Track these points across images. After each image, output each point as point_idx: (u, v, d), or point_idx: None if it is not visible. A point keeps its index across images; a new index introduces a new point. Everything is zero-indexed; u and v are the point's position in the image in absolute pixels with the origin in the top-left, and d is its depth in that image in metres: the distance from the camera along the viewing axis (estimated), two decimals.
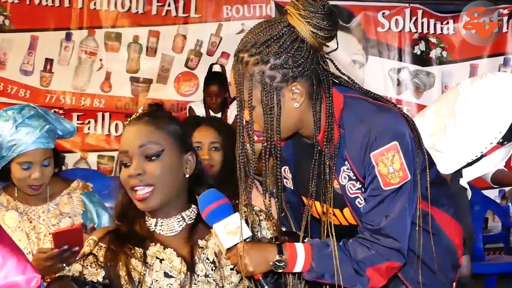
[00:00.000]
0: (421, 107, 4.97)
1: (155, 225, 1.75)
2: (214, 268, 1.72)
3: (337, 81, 1.77)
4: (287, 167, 1.92)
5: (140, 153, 1.70)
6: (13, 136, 2.31)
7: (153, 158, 1.69)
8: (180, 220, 1.76)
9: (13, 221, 2.41)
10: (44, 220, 2.43)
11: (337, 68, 1.76)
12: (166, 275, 1.68)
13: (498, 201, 5.10)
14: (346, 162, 1.73)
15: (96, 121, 5.52)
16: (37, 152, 2.35)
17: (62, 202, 2.49)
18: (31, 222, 2.43)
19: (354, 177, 1.74)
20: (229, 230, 1.66)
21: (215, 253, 1.74)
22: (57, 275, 1.79)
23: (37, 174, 2.35)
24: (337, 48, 1.73)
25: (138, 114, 1.77)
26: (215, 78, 5.10)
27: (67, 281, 1.68)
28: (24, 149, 2.32)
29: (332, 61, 1.74)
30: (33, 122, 2.35)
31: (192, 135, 2.68)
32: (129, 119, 1.77)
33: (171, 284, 1.67)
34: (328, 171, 1.73)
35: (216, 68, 5.17)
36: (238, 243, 1.66)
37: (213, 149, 2.70)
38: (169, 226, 1.75)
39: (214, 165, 2.70)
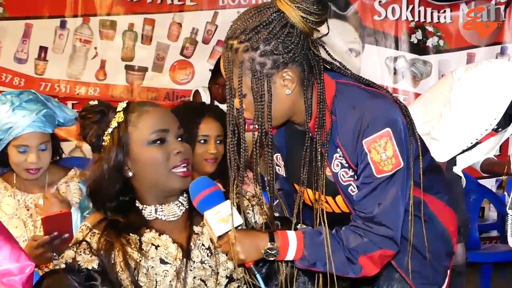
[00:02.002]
0: (418, 96, 4.93)
1: (156, 212, 1.75)
2: (209, 254, 1.72)
3: (329, 67, 1.75)
4: (279, 154, 1.91)
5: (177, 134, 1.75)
6: (9, 118, 2.32)
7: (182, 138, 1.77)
8: (180, 205, 1.77)
9: (10, 208, 2.41)
10: None
11: (329, 54, 1.74)
12: (162, 261, 1.68)
13: (495, 190, 5.10)
14: (338, 150, 1.72)
15: None
16: (33, 136, 2.35)
17: (60, 191, 2.47)
18: (28, 209, 2.42)
19: (347, 165, 1.73)
20: (220, 218, 1.65)
21: (210, 239, 1.73)
22: (50, 267, 1.78)
23: (33, 157, 2.34)
24: (328, 33, 1.71)
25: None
26: None
27: (62, 274, 1.66)
28: (20, 132, 2.32)
29: (323, 47, 1.72)
30: (31, 106, 2.35)
31: (198, 127, 2.67)
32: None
33: (167, 270, 1.67)
34: (320, 158, 1.71)
35: None
36: (229, 230, 1.65)
37: (218, 142, 2.70)
38: (170, 211, 1.75)
39: (218, 157, 2.70)
